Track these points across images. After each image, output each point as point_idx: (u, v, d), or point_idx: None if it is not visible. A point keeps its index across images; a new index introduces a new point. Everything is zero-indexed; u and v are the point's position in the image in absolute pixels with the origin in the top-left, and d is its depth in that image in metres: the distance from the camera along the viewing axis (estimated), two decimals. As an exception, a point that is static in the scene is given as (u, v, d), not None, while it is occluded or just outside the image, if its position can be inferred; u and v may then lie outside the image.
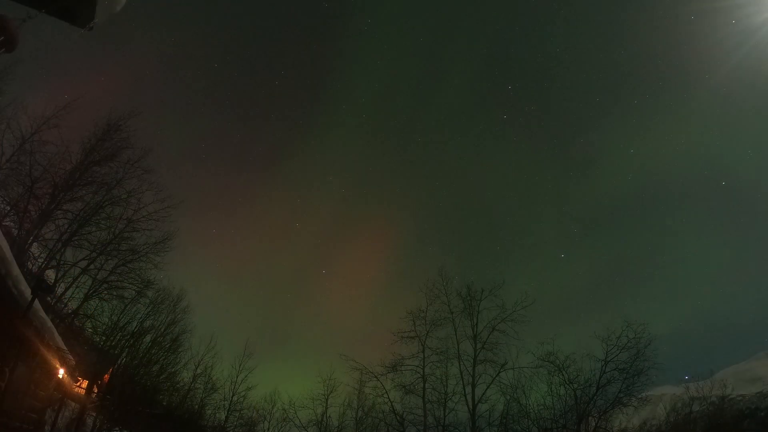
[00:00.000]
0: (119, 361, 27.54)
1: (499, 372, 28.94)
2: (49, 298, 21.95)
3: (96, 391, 26.47)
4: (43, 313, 10.18)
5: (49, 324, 10.92)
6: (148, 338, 29.60)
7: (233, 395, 35.98)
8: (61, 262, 24.03)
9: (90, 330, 25.75)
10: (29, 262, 22.75)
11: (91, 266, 24.31)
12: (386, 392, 30.19)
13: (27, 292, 8.59)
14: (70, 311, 24.82)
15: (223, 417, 35.74)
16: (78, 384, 23.67)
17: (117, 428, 26.12)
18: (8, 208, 22.34)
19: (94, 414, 24.78)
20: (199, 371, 34.84)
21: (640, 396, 28.07)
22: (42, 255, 23.68)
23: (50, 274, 23.76)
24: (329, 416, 32.62)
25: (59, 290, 23.93)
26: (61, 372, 14.15)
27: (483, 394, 28.84)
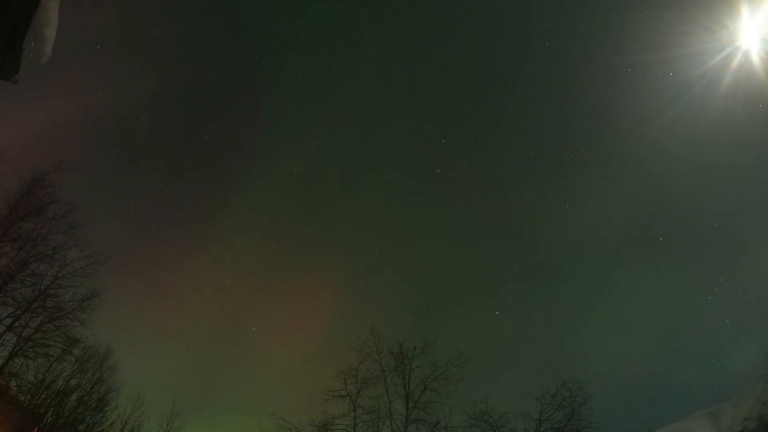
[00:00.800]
0: (45, 420, 27.06)
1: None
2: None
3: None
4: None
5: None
6: (74, 397, 29.06)
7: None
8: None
9: (15, 389, 25.36)
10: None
11: (16, 324, 24.50)
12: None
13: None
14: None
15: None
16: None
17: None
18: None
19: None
20: (126, 431, 34.91)
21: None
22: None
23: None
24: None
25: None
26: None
27: (415, 454, 28.20)
